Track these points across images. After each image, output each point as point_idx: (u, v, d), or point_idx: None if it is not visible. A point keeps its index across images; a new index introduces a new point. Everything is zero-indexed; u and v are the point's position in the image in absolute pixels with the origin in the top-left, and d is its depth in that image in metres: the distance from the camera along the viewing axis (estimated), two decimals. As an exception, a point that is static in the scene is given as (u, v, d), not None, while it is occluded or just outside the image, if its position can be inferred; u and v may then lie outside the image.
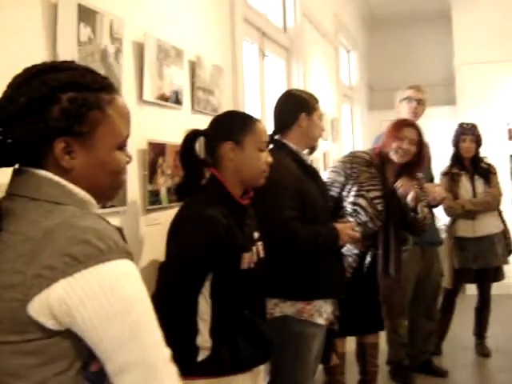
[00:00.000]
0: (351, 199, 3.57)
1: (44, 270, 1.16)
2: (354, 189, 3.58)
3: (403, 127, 3.68)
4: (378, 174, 3.64)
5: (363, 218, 3.54)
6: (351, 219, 3.53)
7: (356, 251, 3.57)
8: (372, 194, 3.57)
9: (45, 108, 1.27)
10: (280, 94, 3.21)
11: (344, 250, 3.44)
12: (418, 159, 3.69)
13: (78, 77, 1.32)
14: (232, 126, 2.42)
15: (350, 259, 3.56)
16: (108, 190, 1.41)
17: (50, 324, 1.18)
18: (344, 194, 3.61)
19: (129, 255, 1.25)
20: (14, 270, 1.17)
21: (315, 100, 3.14)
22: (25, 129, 1.26)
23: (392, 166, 3.68)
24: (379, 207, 3.57)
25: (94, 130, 1.32)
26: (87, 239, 1.19)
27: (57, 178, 1.29)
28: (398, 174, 3.69)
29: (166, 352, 1.26)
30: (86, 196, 1.32)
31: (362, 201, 3.56)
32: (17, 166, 1.34)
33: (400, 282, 3.73)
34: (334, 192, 3.54)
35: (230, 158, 2.37)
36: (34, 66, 1.33)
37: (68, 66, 1.35)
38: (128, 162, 1.45)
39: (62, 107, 1.28)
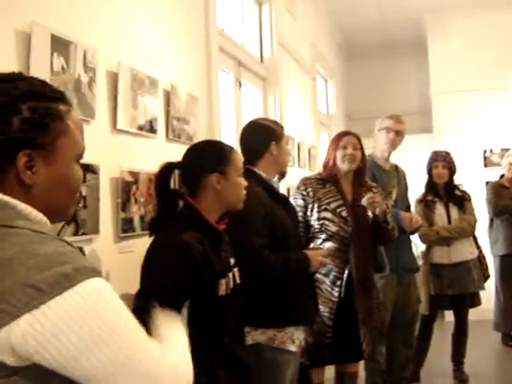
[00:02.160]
0: (315, 216, 3.67)
1: (4, 305, 1.05)
2: (316, 206, 3.68)
3: (343, 136, 3.85)
4: (334, 187, 3.75)
5: (332, 228, 3.63)
6: (322, 236, 3.64)
7: (332, 275, 3.59)
8: (333, 205, 3.68)
9: (5, 119, 1.19)
10: (245, 125, 3.24)
11: (318, 276, 3.47)
12: (364, 165, 3.84)
13: (36, 86, 1.26)
14: (214, 157, 2.44)
15: (327, 283, 3.59)
16: (65, 207, 1.34)
17: (11, 361, 1.07)
18: (308, 215, 3.71)
19: (98, 273, 1.15)
20: None
21: (281, 127, 3.22)
22: None
23: (344, 177, 3.80)
24: (343, 214, 3.65)
25: (56, 141, 1.25)
26: (51, 266, 1.08)
27: (6, 198, 1.19)
28: (352, 183, 3.81)
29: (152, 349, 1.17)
30: (38, 216, 1.23)
31: (325, 213, 3.66)
32: None
33: (378, 300, 3.77)
34: (299, 217, 3.58)
35: (215, 189, 2.39)
36: None
37: (22, 77, 1.29)
38: (82, 180, 1.38)
39: (22, 117, 1.20)
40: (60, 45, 2.22)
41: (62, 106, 1.28)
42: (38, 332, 1.05)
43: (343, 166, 3.76)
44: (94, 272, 1.14)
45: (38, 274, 1.07)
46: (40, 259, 1.09)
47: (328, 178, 3.78)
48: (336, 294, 3.58)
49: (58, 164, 1.26)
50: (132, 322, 1.17)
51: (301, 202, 3.73)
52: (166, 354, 1.21)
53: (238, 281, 2.47)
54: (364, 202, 3.64)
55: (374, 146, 4.66)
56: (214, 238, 2.37)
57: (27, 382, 1.09)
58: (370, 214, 3.69)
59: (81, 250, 1.25)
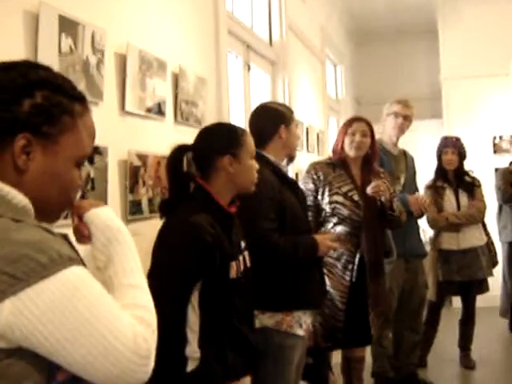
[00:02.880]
0: (327, 200, 3.68)
1: None
2: (326, 189, 3.68)
3: (353, 122, 3.83)
4: (344, 171, 3.75)
5: (344, 212, 3.64)
6: (333, 219, 3.65)
7: (343, 259, 3.59)
8: (344, 189, 3.69)
9: (16, 99, 1.20)
10: (255, 108, 3.23)
11: (330, 260, 3.48)
12: (373, 151, 3.84)
13: (56, 79, 1.28)
14: (227, 139, 2.44)
15: (338, 267, 3.59)
16: (54, 205, 1.30)
17: (2, 345, 1.08)
18: (319, 199, 3.71)
19: (74, 261, 1.14)
20: None
21: (291, 111, 3.21)
22: None
23: (353, 162, 3.81)
24: (355, 198, 3.66)
25: (60, 135, 1.24)
26: (26, 254, 1.07)
27: None
28: (361, 169, 3.82)
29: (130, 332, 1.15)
30: (23, 201, 1.20)
31: (337, 197, 3.66)
32: None
33: (385, 286, 3.78)
34: (309, 201, 3.58)
35: (227, 171, 2.39)
36: (17, 60, 1.28)
37: (47, 68, 1.30)
38: (79, 187, 1.36)
39: (34, 102, 1.21)
40: (68, 26, 2.20)
41: (77, 106, 1.29)
42: (21, 322, 1.06)
43: (350, 152, 3.77)
44: (71, 261, 1.13)
45: (14, 262, 1.07)
46: (15, 247, 1.08)
47: (338, 163, 3.77)
48: (348, 278, 3.58)
49: (55, 158, 1.25)
50: (110, 312, 1.15)
51: (311, 186, 3.72)
52: (138, 325, 1.18)
53: (248, 264, 2.47)
54: (369, 190, 3.63)
55: (382, 130, 4.64)
56: (225, 220, 2.37)
57: (22, 365, 1.10)
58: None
59: (64, 236, 1.22)
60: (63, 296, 1.09)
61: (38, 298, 1.07)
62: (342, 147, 3.78)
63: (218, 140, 2.45)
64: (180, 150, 2.43)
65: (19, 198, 1.20)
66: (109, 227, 1.33)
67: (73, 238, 1.31)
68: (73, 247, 1.22)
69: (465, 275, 5.02)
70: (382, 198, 3.66)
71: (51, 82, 1.25)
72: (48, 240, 1.13)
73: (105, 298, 1.16)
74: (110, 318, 1.14)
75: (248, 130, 3.08)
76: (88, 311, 1.11)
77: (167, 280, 2.20)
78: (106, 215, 1.36)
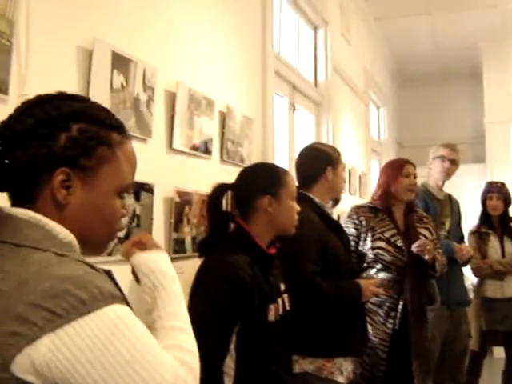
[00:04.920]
0: (369, 245, 3.59)
1: (20, 327, 1.02)
2: (369, 235, 3.60)
3: (404, 165, 3.76)
4: (387, 216, 3.67)
5: (387, 258, 3.54)
6: (377, 265, 3.56)
7: (386, 306, 3.51)
8: (387, 234, 3.59)
9: (52, 133, 1.18)
10: (302, 149, 3.20)
11: (371, 306, 3.40)
12: (416, 195, 3.83)
13: (92, 109, 1.25)
14: (267, 179, 2.40)
15: (380, 314, 3.51)
16: (99, 238, 1.28)
17: (39, 382, 1.04)
18: (360, 244, 3.63)
19: (116, 299, 1.11)
20: None
21: (338, 153, 3.18)
22: (26, 151, 1.16)
23: (397, 206, 3.72)
24: (398, 243, 3.57)
25: (99, 167, 1.22)
26: (66, 289, 1.04)
27: (38, 217, 1.17)
28: (404, 213, 3.74)
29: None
30: (68, 237, 1.19)
31: (380, 243, 3.57)
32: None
33: (427, 334, 3.67)
34: (351, 247, 3.51)
35: (267, 211, 2.35)
36: (50, 93, 1.25)
37: (84, 99, 1.30)
38: (124, 215, 1.33)
39: (70, 136, 1.19)
40: (120, 62, 2.22)
41: (115, 135, 1.26)
42: (59, 361, 1.02)
43: (406, 195, 3.68)
44: (113, 298, 1.10)
45: (54, 298, 1.04)
46: (56, 281, 1.05)
47: (381, 207, 3.71)
48: (390, 326, 3.49)
49: (95, 191, 1.23)
50: (150, 353, 1.11)
51: (353, 230, 3.65)
52: (179, 368, 1.15)
53: (287, 307, 2.41)
54: (414, 248, 3.53)
55: (428, 174, 4.58)
56: (264, 262, 2.32)
57: None
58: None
59: (108, 273, 1.20)
60: (102, 334, 1.05)
61: (76, 336, 1.03)
62: (390, 190, 3.72)
63: (258, 179, 2.41)
64: (220, 189, 2.39)
65: (65, 234, 1.18)
66: (153, 272, 1.33)
67: (117, 275, 1.29)
68: (117, 284, 1.20)
69: (509, 325, 4.88)
70: (426, 257, 3.56)
71: (86, 113, 1.23)
72: (90, 275, 1.10)
73: (146, 339, 1.12)
74: (151, 360, 1.10)
75: (294, 170, 3.06)
76: (128, 352, 1.07)
77: (204, 323, 2.13)
78: (152, 259, 1.35)
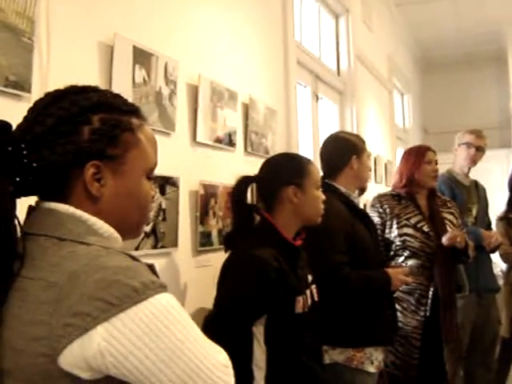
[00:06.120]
0: (396, 233, 3.58)
1: (73, 319, 1.03)
2: (395, 222, 3.60)
3: (426, 152, 3.76)
4: (411, 203, 3.66)
5: (415, 244, 3.53)
6: (404, 253, 3.54)
7: (417, 294, 3.49)
8: (413, 220, 3.59)
9: (75, 129, 1.17)
10: (326, 138, 3.18)
11: (401, 295, 3.38)
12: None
13: (108, 98, 1.25)
14: (291, 170, 2.38)
15: (411, 302, 3.49)
16: (135, 224, 1.30)
17: (86, 375, 1.06)
18: (386, 232, 3.63)
19: (164, 288, 1.13)
20: (36, 322, 1.05)
21: (363, 141, 3.14)
22: (53, 151, 1.15)
23: (420, 192, 3.71)
24: (425, 229, 3.55)
25: (125, 153, 1.23)
26: (118, 279, 1.06)
27: (79, 212, 1.18)
28: (427, 199, 3.73)
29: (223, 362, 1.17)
30: (109, 230, 1.21)
31: (406, 229, 3.57)
32: (35, 198, 1.22)
33: (457, 321, 3.64)
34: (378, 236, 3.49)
35: (292, 202, 2.33)
36: (61, 89, 1.24)
37: (96, 89, 1.28)
38: (153, 196, 1.35)
39: (93, 128, 1.19)
40: (142, 57, 2.22)
41: (134, 120, 1.26)
42: (114, 348, 1.04)
43: (430, 182, 3.68)
44: (162, 287, 1.12)
45: (107, 288, 1.05)
46: (107, 272, 1.07)
47: (404, 194, 3.68)
48: (422, 313, 3.47)
49: (126, 177, 1.24)
50: (199, 336, 1.15)
51: (378, 219, 3.63)
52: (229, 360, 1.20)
53: (315, 298, 2.40)
54: (445, 241, 3.50)
55: (454, 160, 4.53)
56: (291, 254, 2.30)
57: None
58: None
59: (151, 267, 1.20)
60: (157, 319, 1.07)
61: (132, 323, 1.05)
62: (413, 177, 3.69)
63: (281, 170, 2.38)
64: (244, 182, 2.37)
65: (105, 228, 1.20)
66: None
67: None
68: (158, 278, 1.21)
69: (539, 311, 4.82)
70: (458, 246, 3.52)
71: (104, 102, 1.23)
72: (138, 267, 1.12)
73: (194, 325, 1.15)
74: (202, 341, 1.14)
75: (319, 160, 3.04)
76: (181, 333, 1.09)
77: (230, 314, 2.14)
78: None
